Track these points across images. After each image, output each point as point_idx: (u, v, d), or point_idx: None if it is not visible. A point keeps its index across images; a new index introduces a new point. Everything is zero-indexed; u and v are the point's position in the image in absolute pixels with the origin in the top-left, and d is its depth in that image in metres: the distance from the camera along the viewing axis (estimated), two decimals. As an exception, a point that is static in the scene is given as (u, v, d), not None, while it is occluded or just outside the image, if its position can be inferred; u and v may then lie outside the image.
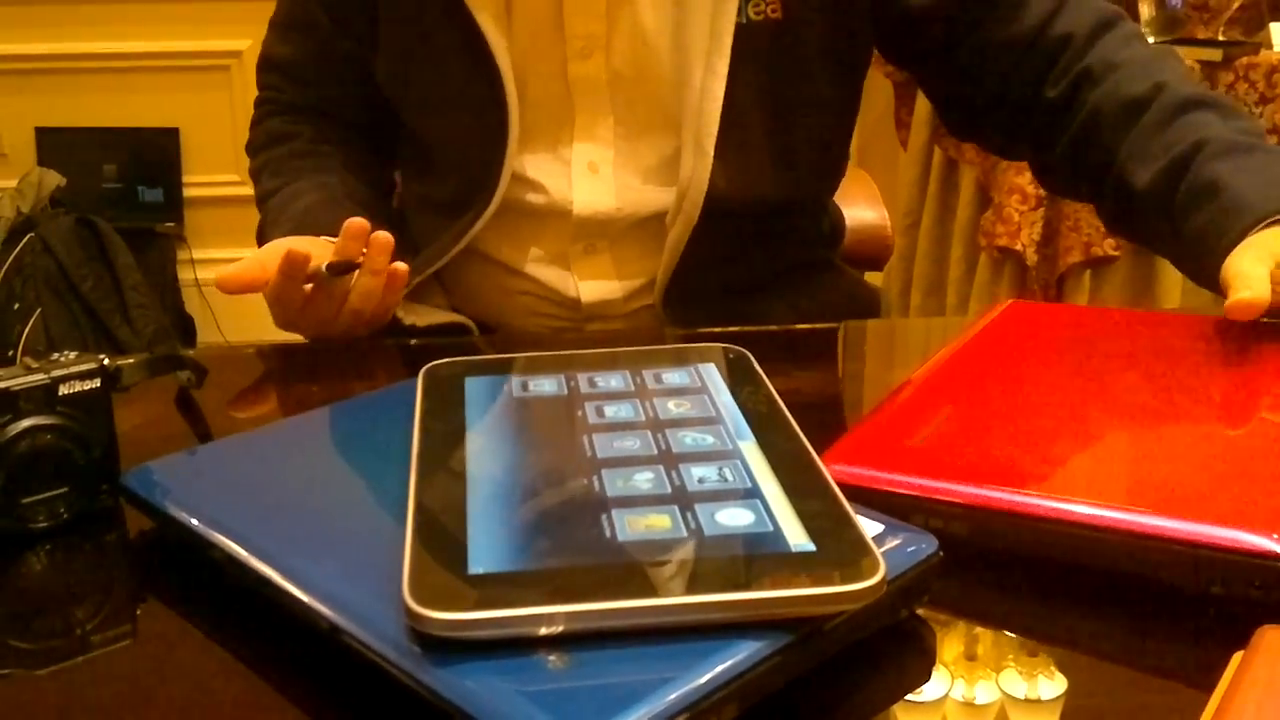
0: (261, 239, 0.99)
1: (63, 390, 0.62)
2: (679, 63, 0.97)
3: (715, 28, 0.93)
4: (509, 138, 0.98)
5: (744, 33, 0.93)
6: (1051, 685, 0.52)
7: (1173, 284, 2.68)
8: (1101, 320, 0.89)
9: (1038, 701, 0.51)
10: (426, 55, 0.99)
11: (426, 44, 0.99)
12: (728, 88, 0.94)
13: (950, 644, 0.54)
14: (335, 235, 0.86)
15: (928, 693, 0.50)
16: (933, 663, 0.53)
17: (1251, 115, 0.87)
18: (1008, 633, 0.56)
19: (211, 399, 0.81)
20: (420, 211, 1.06)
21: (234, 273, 0.84)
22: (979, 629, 0.55)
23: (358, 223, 0.83)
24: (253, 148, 1.12)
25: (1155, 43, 2.69)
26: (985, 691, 0.51)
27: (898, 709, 0.50)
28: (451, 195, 1.03)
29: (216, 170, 3.17)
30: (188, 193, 3.16)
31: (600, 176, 1.01)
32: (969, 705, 0.51)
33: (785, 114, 0.98)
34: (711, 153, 0.96)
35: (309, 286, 0.85)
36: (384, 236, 0.84)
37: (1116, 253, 2.61)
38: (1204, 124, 0.84)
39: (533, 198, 1.02)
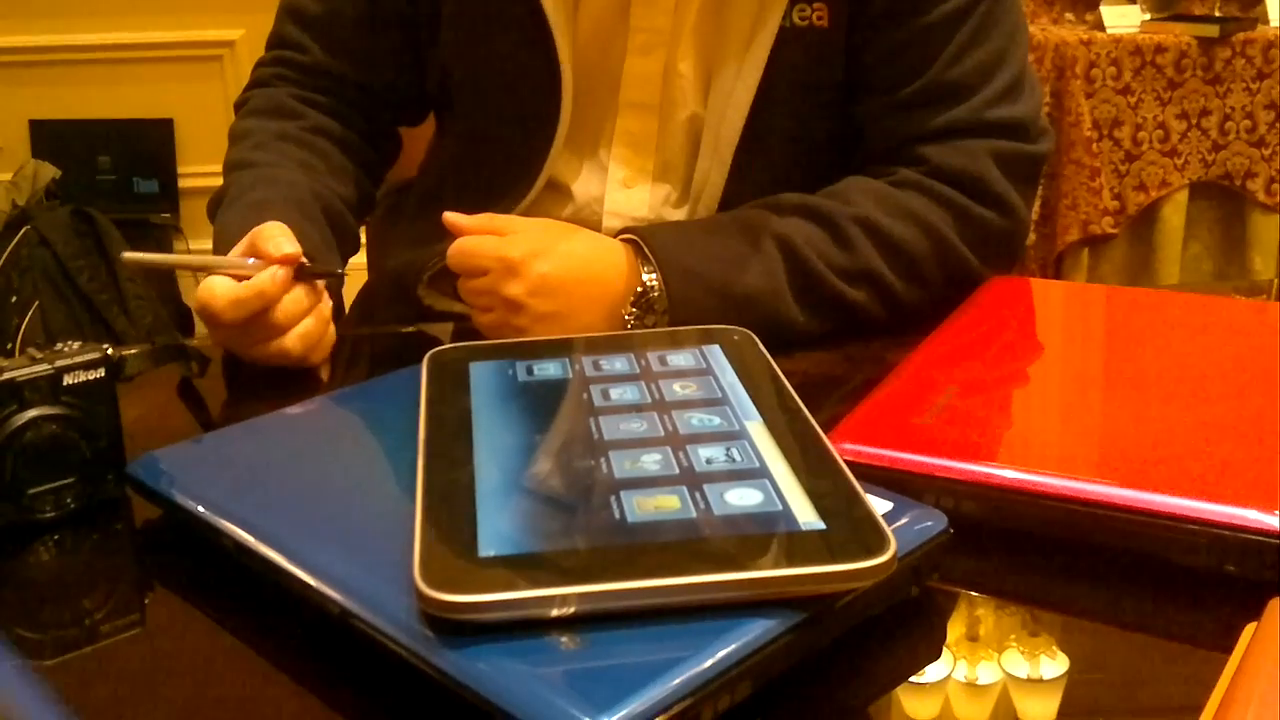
0: (216, 206, 0.96)
1: (67, 380, 0.62)
2: (708, 63, 0.95)
3: (755, 33, 0.92)
4: (558, 129, 0.96)
5: (784, 38, 0.92)
6: (1053, 665, 0.52)
7: (1170, 262, 2.69)
8: (1096, 298, 0.89)
9: (1040, 681, 0.51)
10: (488, 30, 0.97)
11: (489, 19, 0.97)
12: (756, 95, 0.93)
13: (953, 625, 0.54)
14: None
15: (930, 674, 0.51)
16: (943, 639, 0.53)
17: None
18: (1014, 611, 0.56)
19: (214, 388, 0.81)
20: (452, 196, 1.03)
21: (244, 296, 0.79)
22: (981, 610, 0.55)
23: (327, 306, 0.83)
24: (247, 108, 1.04)
25: (1152, 20, 2.69)
26: (988, 672, 0.51)
27: (901, 691, 0.50)
28: (487, 184, 1.01)
29: (211, 161, 3.13)
30: (183, 183, 3.14)
31: (636, 190, 0.99)
32: (971, 686, 0.51)
33: (809, 128, 0.96)
34: (729, 160, 0.94)
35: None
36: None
37: (1115, 231, 2.61)
38: (802, 229, 0.86)
39: (567, 212, 1.00)
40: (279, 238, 0.81)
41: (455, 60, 1.01)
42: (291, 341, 0.80)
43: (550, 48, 0.94)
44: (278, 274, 0.79)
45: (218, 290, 0.78)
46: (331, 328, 0.84)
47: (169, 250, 3.07)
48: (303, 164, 0.98)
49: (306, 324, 0.81)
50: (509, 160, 1.00)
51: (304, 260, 0.81)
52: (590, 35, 0.96)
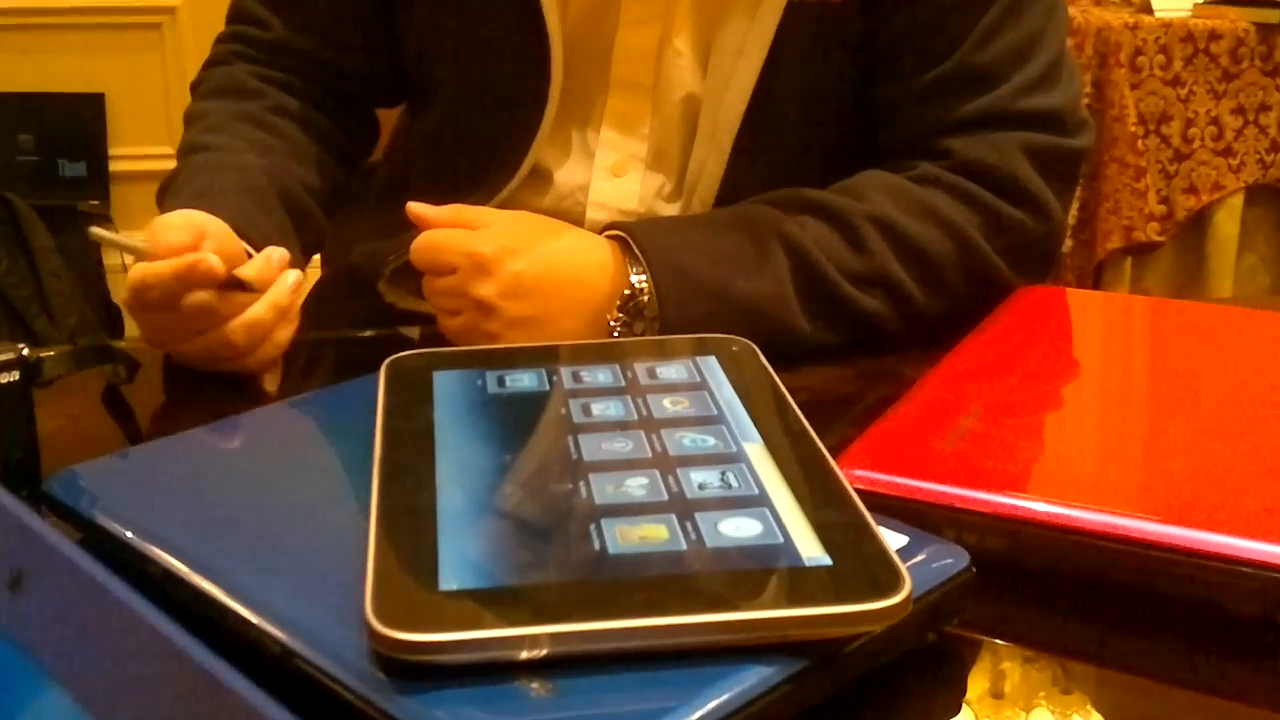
0: (163, 194, 0.95)
1: (-24, 383, 0.62)
2: (708, 39, 0.95)
3: (760, 6, 0.92)
4: (545, 110, 0.97)
5: (791, 13, 0.92)
6: (1089, 726, 0.52)
7: (1224, 273, 2.70)
8: (1139, 311, 0.90)
9: (1074, 744, 0.51)
10: (467, 4, 0.98)
11: None
12: (759, 76, 0.93)
13: (975, 680, 0.54)
14: (237, 228, 0.85)
15: (949, 733, 0.50)
16: (963, 694, 0.53)
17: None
18: (1044, 664, 0.56)
19: (143, 396, 0.81)
20: (420, 184, 1.03)
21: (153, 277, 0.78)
22: (1006, 662, 0.55)
23: (280, 254, 0.82)
24: (203, 89, 1.05)
25: (1206, 3, 2.71)
26: (1015, 732, 0.51)
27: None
28: (463, 171, 1.01)
29: (146, 141, 3.16)
30: (114, 166, 3.14)
31: (625, 180, 1.00)
32: (996, 747, 0.51)
33: (818, 115, 0.96)
34: (728, 148, 0.95)
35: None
36: (297, 274, 0.82)
37: (1161, 239, 2.62)
38: (811, 227, 0.86)
39: (546, 203, 1.00)
40: (180, 228, 0.80)
41: (432, 35, 1.01)
42: (235, 331, 0.79)
43: (538, 20, 0.94)
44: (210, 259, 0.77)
45: (146, 267, 0.77)
46: (290, 324, 0.83)
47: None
48: (260, 146, 0.98)
49: (256, 311, 0.80)
50: (489, 145, 1.00)
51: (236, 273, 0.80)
52: (581, 7, 0.97)
